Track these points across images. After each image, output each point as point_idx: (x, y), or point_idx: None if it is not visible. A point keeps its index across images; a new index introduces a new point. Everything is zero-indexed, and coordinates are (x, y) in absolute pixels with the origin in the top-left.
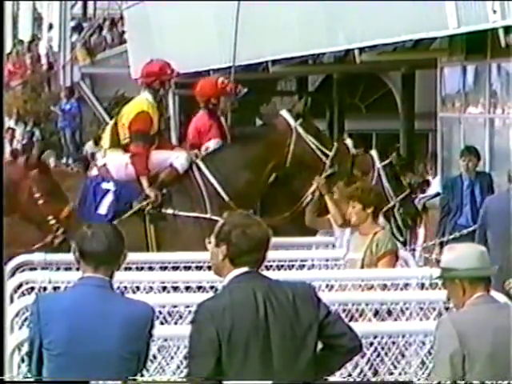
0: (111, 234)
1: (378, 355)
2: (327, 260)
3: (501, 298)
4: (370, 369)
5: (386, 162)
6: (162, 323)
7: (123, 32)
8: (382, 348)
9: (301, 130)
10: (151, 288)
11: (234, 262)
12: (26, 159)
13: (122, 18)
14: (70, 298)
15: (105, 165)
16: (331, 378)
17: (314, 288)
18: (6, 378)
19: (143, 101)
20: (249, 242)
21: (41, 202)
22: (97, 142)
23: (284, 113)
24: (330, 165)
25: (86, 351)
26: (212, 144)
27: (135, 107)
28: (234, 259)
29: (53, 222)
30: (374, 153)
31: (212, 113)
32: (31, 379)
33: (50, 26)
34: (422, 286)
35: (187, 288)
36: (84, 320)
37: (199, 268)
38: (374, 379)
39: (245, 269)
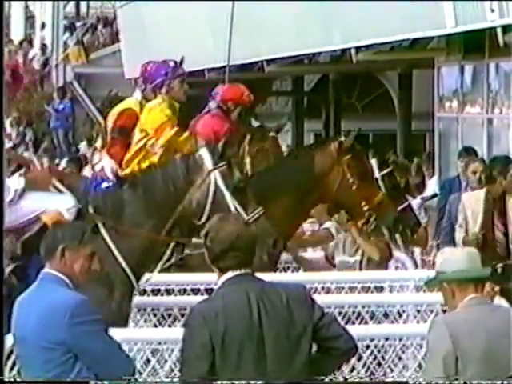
0: (51, 229)
1: (375, 358)
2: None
3: (499, 300)
4: (366, 372)
5: (386, 171)
6: (155, 326)
7: (116, 31)
8: (379, 351)
9: None
10: (144, 291)
11: (216, 266)
12: (339, 145)
13: (115, 17)
14: (25, 294)
15: (102, 167)
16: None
17: (308, 290)
18: (6, 377)
19: (132, 100)
20: (222, 246)
21: (354, 187)
22: (90, 143)
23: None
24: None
25: (17, 339)
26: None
27: (122, 105)
28: (213, 263)
29: (365, 207)
30: (373, 162)
31: (228, 116)
32: (31, 379)
33: (43, 25)
34: (419, 289)
35: (182, 291)
36: (18, 310)
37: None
38: None
39: (237, 271)
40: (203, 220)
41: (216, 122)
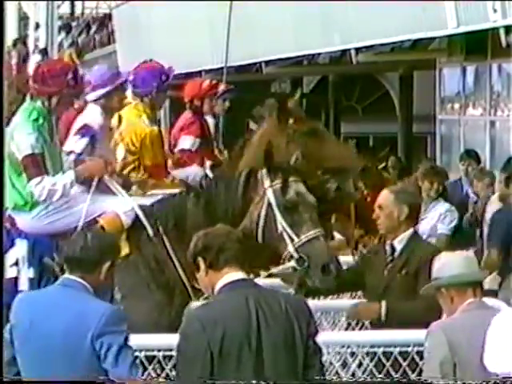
0: (91, 240)
1: (375, 365)
2: None
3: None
4: (366, 378)
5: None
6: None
7: (112, 32)
8: (379, 358)
9: None
10: None
11: (215, 267)
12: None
13: (110, 17)
14: (36, 295)
15: None
16: None
17: (306, 300)
18: (6, 377)
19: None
20: (216, 240)
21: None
22: None
23: None
24: None
25: (40, 345)
26: (183, 140)
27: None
28: (212, 263)
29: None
30: None
31: (196, 112)
32: (31, 379)
33: (37, 26)
34: None
35: None
36: (28, 310)
37: None
38: None
39: (234, 276)
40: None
41: (185, 124)
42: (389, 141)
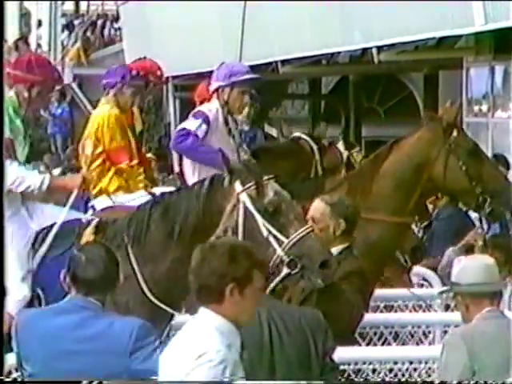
0: (106, 259)
1: (399, 382)
2: None
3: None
4: None
5: None
6: None
7: (119, 30)
8: (403, 375)
9: None
10: None
11: None
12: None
13: (117, 15)
14: (46, 316)
15: None
16: None
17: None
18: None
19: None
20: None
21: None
22: None
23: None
24: None
25: (61, 368)
26: None
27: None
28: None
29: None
30: None
31: None
32: (31, 380)
33: (39, 23)
34: (447, 308)
35: None
36: (41, 336)
37: None
38: None
39: None
40: None
41: None
42: None
